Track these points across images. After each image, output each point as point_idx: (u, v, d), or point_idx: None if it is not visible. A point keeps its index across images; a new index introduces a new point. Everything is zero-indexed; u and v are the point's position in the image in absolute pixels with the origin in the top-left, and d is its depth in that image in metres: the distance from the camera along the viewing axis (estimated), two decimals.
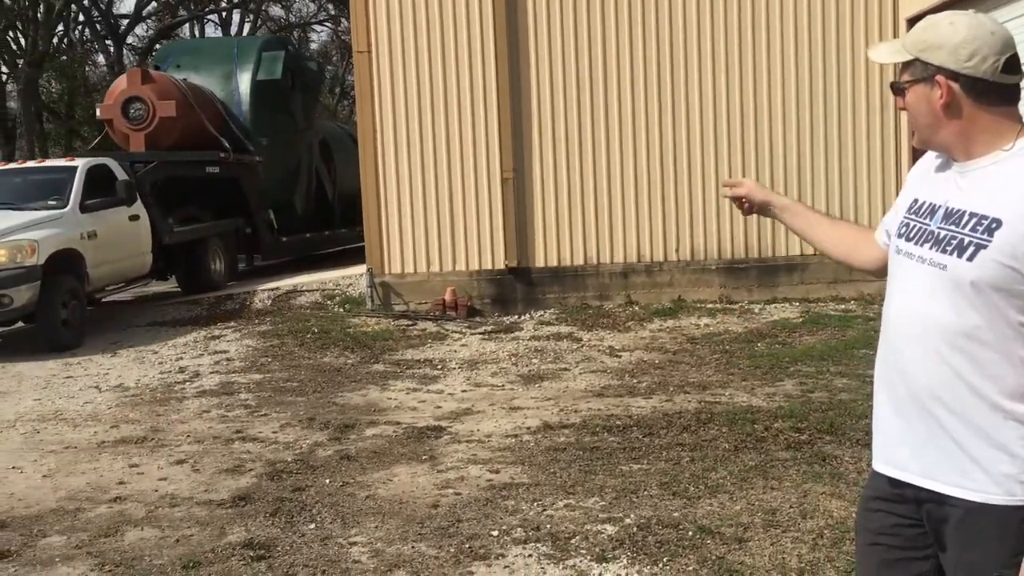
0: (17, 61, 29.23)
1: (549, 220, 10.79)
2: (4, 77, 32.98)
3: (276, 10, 34.02)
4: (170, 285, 13.42)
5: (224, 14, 32.74)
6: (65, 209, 10.12)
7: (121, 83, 13.33)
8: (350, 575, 3.93)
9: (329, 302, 11.34)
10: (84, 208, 10.31)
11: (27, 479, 5.43)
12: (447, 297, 10.56)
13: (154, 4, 30.55)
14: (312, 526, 4.49)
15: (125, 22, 29.70)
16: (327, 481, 5.14)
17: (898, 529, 2.02)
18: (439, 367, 8.15)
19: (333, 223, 16.90)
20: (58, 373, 8.37)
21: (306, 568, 4.01)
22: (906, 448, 1.97)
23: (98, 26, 29.41)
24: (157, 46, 32.59)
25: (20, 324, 10.00)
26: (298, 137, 15.45)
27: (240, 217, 14.04)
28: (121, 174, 11.25)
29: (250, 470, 5.40)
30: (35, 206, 10.16)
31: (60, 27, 28.36)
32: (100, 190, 10.65)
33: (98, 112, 13.58)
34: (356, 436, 6.03)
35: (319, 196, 16.40)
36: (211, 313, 11.14)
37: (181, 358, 8.82)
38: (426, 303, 10.67)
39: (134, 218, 11.19)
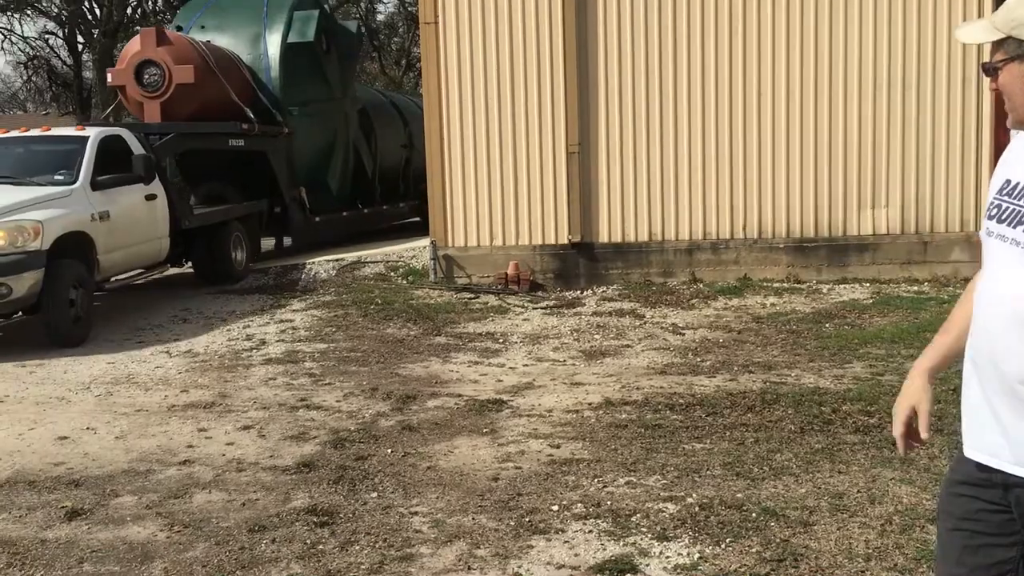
0: (93, 31, 29.86)
1: (614, 195, 10.69)
2: (80, 47, 33.79)
3: None
4: (183, 270, 11.85)
5: None
6: (74, 185, 8.85)
7: (134, 45, 11.91)
8: (411, 544, 3.96)
9: (392, 274, 11.42)
10: (96, 185, 9.03)
11: (100, 440, 5.58)
12: (510, 271, 10.55)
13: None
14: (374, 495, 4.53)
15: None
16: (389, 451, 5.19)
17: (983, 515, 1.95)
18: (501, 341, 8.16)
19: (373, 199, 15.61)
20: (130, 338, 8.58)
21: (368, 536, 4.05)
22: (997, 434, 1.90)
23: None
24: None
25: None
26: (333, 106, 14.11)
27: (266, 198, 12.74)
28: (138, 148, 9.98)
29: (314, 438, 5.48)
30: (40, 181, 8.95)
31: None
32: (113, 165, 9.39)
33: (108, 78, 12.24)
34: (418, 407, 6.07)
35: (357, 170, 15.07)
36: (277, 282, 11.30)
37: (248, 326, 8.98)
38: (489, 277, 10.68)
39: (150, 197, 9.90)
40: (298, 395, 6.45)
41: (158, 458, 5.21)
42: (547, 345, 7.95)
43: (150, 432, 5.70)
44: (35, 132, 10.16)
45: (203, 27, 13.34)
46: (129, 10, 29.47)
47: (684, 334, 8.18)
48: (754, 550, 3.77)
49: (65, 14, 31.11)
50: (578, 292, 10.47)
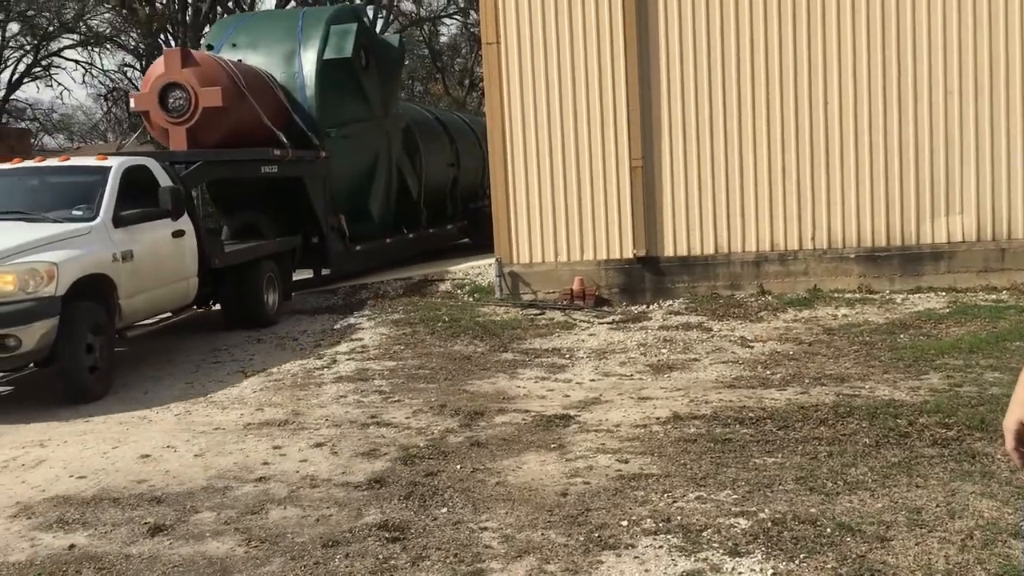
0: None
1: (678, 208, 10.64)
2: None
3: (407, 4, 34.76)
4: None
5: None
6: (94, 222, 7.85)
7: (158, 67, 11.02)
8: (481, 560, 3.99)
9: (459, 291, 11.52)
10: (118, 221, 8.05)
11: (180, 458, 5.74)
12: (575, 286, 10.57)
13: (292, 5, 31.65)
14: (444, 510, 4.58)
15: None
16: (458, 467, 5.24)
17: None
18: (567, 356, 8.17)
19: (419, 223, 14.77)
20: (207, 358, 8.81)
21: (439, 551, 4.10)
22: None
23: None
24: None
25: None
26: (374, 126, 13.27)
27: (300, 230, 11.74)
28: (165, 179, 8.97)
29: (384, 454, 5.56)
30: (56, 217, 7.93)
31: (207, 29, 29.70)
32: (138, 198, 8.42)
33: (131, 103, 11.46)
34: (486, 423, 6.11)
35: (401, 193, 14.18)
36: (347, 302, 11.49)
37: (319, 344, 9.14)
38: (554, 292, 10.71)
39: (178, 234, 8.84)
40: (368, 412, 6.55)
41: (235, 475, 5.34)
42: (614, 360, 7.94)
43: (227, 450, 5.85)
44: (52, 162, 9.05)
45: (234, 45, 12.50)
46: (202, 41, 30.33)
47: (753, 347, 8.08)
48: (829, 566, 3.71)
49: (142, 47, 32.29)
50: (644, 306, 10.43)
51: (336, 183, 12.39)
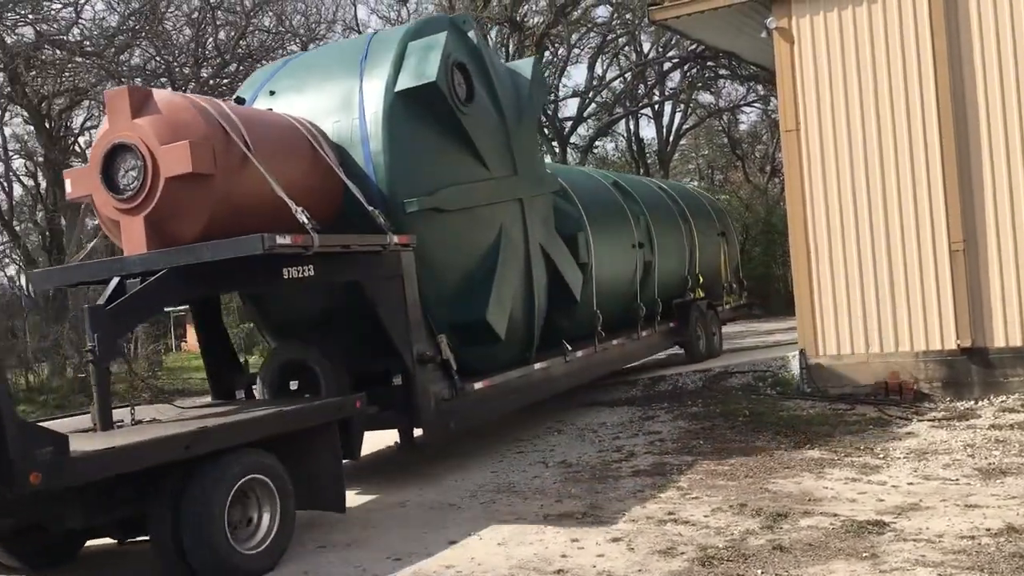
0: None
1: (1009, 293, 9.63)
2: None
3: (706, 96, 35.09)
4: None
5: (656, 107, 34.44)
6: None
7: (105, 122, 6.94)
8: None
9: (760, 384, 11.15)
10: None
11: (485, 546, 5.99)
12: (889, 380, 9.86)
13: (593, 106, 33.10)
14: None
15: (569, 124, 32.50)
16: (759, 572, 5.00)
17: None
18: (881, 456, 7.58)
19: (590, 333, 10.48)
20: (511, 448, 9.17)
21: None
22: None
23: (546, 130, 32.58)
24: (596, 143, 35.26)
25: None
26: (492, 190, 8.76)
27: (341, 393, 7.17)
28: None
29: (682, 553, 5.44)
30: None
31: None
32: None
33: (67, 186, 7.03)
34: (790, 526, 5.80)
35: (555, 291, 9.64)
36: (646, 394, 11.52)
37: (618, 437, 9.20)
38: (865, 386, 10.04)
39: None
40: (665, 508, 6.46)
41: (535, 566, 5.47)
42: (936, 461, 7.24)
43: (527, 540, 6.01)
44: None
45: (272, 93, 8.42)
46: None
47: None
48: None
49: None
50: (971, 402, 9.46)
51: (431, 285, 7.87)
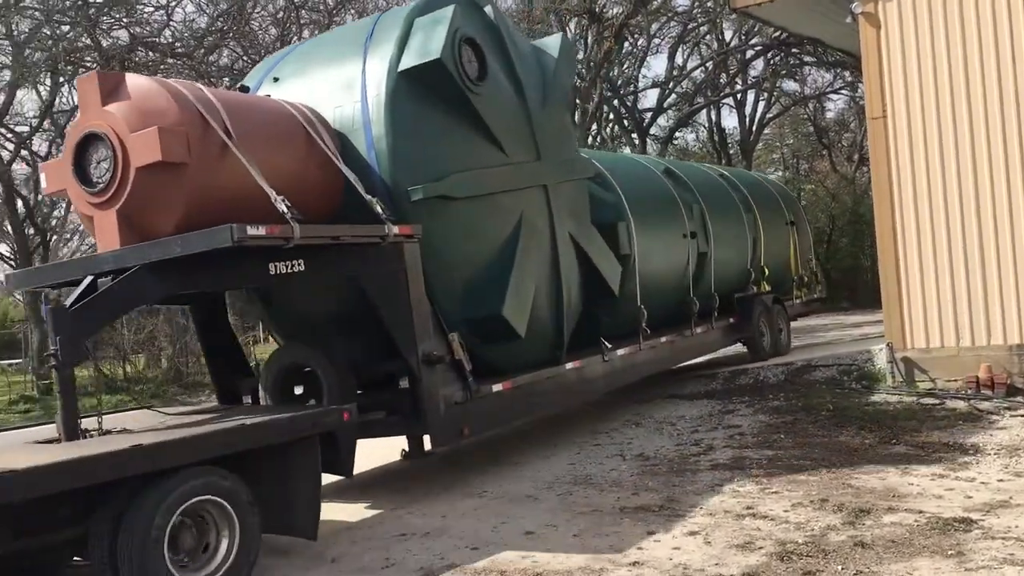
0: None
1: None
2: None
3: (790, 84, 34.30)
4: None
5: (739, 96, 33.84)
6: None
7: (77, 114, 6.93)
8: None
9: (845, 378, 10.92)
10: None
11: (560, 537, 6.03)
12: (981, 374, 9.54)
13: (674, 96, 32.72)
14: None
15: (648, 115, 32.21)
16: (839, 567, 4.92)
17: None
18: (971, 452, 7.36)
19: (633, 331, 9.68)
20: (588, 440, 9.18)
21: None
22: None
23: (625, 122, 32.29)
24: (677, 134, 34.83)
25: None
26: (510, 176, 8.00)
27: (346, 396, 6.81)
28: None
29: (760, 548, 5.38)
30: None
31: (594, 126, 31.56)
32: None
33: (42, 181, 6.81)
34: (872, 522, 5.69)
35: (589, 286, 9.00)
36: (726, 387, 11.38)
37: (696, 431, 9.13)
38: (955, 380, 9.74)
39: None
40: (744, 503, 6.40)
41: (609, 558, 5.48)
42: None
43: (604, 531, 6.02)
44: None
45: (276, 80, 8.04)
46: (588, 138, 32.37)
47: None
48: None
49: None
50: None
51: (440, 278, 7.28)
